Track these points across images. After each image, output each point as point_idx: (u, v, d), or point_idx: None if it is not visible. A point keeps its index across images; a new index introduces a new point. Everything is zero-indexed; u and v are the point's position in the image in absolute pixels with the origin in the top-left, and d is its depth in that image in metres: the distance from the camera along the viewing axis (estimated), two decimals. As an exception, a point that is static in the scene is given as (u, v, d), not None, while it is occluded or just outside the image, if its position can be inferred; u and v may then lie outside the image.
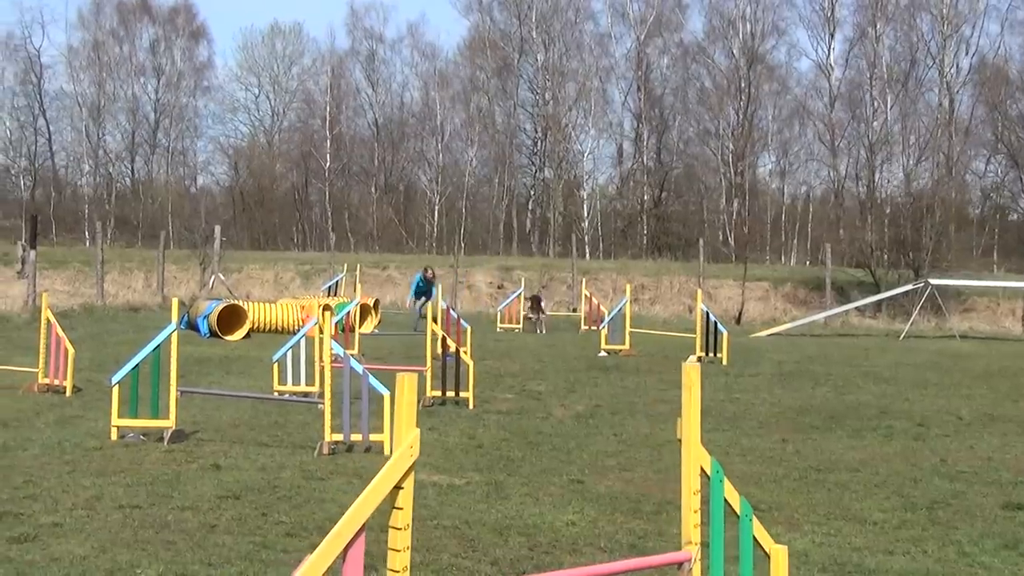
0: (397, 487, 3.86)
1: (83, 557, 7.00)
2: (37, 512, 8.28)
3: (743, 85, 71.63)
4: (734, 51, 72.68)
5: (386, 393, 11.73)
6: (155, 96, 79.87)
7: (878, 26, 68.84)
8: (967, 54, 69.40)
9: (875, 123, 67.74)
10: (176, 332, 12.12)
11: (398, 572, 3.90)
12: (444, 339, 16.27)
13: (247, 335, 26.05)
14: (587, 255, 44.30)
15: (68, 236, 71.94)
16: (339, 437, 11.53)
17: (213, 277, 36.23)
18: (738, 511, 5.03)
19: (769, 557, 5.20)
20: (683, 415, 4.82)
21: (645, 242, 68.09)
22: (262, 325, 27.45)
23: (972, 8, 68.98)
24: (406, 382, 3.93)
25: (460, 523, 8.51)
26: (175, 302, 12.48)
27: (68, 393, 15.48)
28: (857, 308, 36.48)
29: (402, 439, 3.90)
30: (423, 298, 29.77)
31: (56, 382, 15.83)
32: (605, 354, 23.49)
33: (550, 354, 23.86)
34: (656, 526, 8.76)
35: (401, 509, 3.86)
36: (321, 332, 13.89)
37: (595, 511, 9.18)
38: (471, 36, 76.85)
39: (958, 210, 47.68)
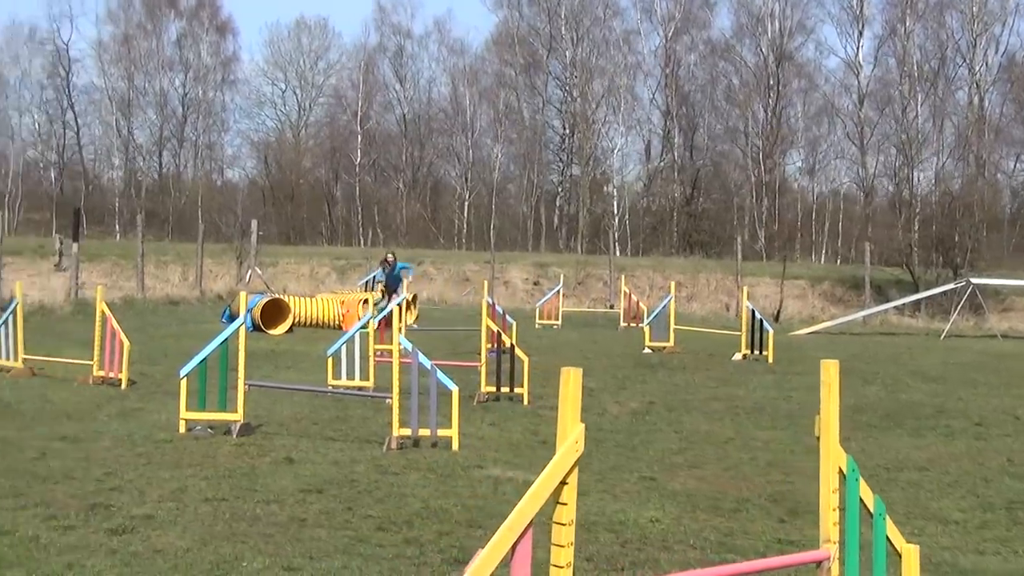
0: (562, 483, 3.83)
1: (186, 550, 7.00)
2: (127, 504, 8.29)
3: (771, 82, 71.41)
4: (762, 48, 72.46)
5: (454, 388, 11.72)
6: (183, 90, 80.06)
7: (908, 23, 68.47)
8: (997, 52, 69.06)
9: (905, 121, 67.41)
10: (243, 326, 12.13)
11: (562, 568, 3.88)
12: (499, 334, 16.23)
13: (290, 329, 26.08)
14: (617, 252, 44.11)
15: (96, 229, 72.15)
16: (407, 432, 11.51)
17: (250, 271, 36.31)
18: (872, 510, 4.98)
19: (900, 556, 5.15)
20: (822, 413, 4.77)
21: (676, 239, 67.97)
22: (302, 319, 27.49)
23: (1002, 6, 68.61)
24: (571, 376, 3.91)
25: (547, 519, 8.44)
26: (243, 296, 12.50)
27: (123, 386, 15.51)
28: (896, 307, 36.34)
29: (567, 434, 3.87)
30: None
31: (111, 374, 15.85)
32: (650, 351, 23.44)
33: (594, 351, 23.82)
34: (739, 524, 8.73)
35: (566, 504, 3.85)
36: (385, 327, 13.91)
37: (676, 508, 9.15)
38: (500, 32, 76.84)
39: (991, 209, 47.34)
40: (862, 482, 4.96)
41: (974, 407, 16.55)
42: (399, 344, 11.68)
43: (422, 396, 11.59)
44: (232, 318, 27.32)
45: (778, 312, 32.75)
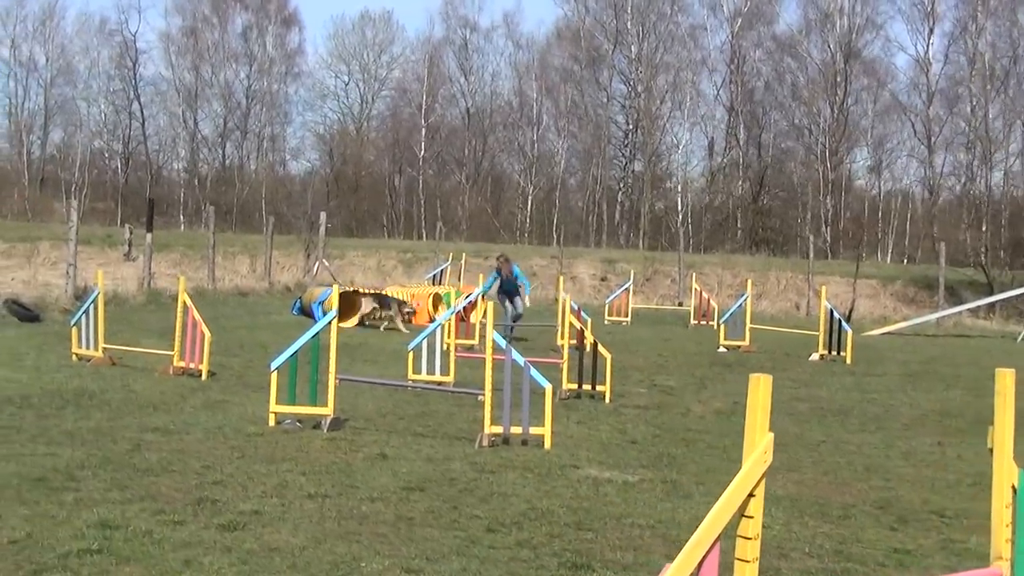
0: (750, 495, 3.66)
1: (302, 548, 6.89)
2: (232, 499, 8.20)
3: (838, 79, 70.69)
4: (830, 45, 71.76)
5: (548, 386, 11.57)
6: (247, 82, 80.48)
7: (979, 20, 67.58)
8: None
9: (974, 120, 66.54)
10: (335, 320, 12.04)
11: (746, 583, 3.70)
12: (582, 332, 16.06)
13: (360, 322, 26.03)
14: (682, 249, 43.81)
15: (161, 220, 72.65)
16: (498, 429, 11.37)
17: (317, 263, 36.35)
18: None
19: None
20: (996, 425, 4.56)
21: (740, 236, 67.50)
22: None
23: (1077, 4, 67.50)
24: (761, 383, 3.73)
25: (655, 522, 8.32)
26: (335, 289, 12.41)
27: (204, 377, 15.48)
28: (970, 309, 35.82)
29: (755, 443, 3.70)
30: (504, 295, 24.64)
31: (191, 365, 15.82)
32: (725, 350, 23.20)
33: (668, 348, 23.61)
34: (851, 531, 8.51)
35: (751, 518, 3.67)
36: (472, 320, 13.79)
37: (783, 514, 8.93)
38: (565, 26, 76.62)
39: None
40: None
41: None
42: (492, 340, 11.53)
43: (513, 393, 11.45)
44: (303, 310, 27.40)
45: (850, 312, 32.33)
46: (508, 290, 24.39)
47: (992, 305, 36.38)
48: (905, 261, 63.96)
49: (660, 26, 73.93)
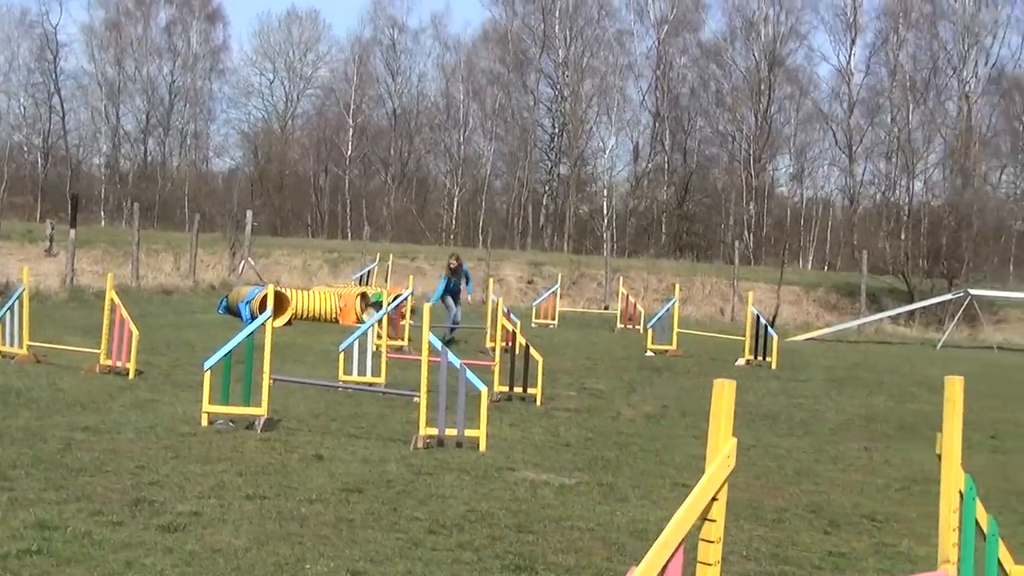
0: (713, 499, 3.70)
1: (245, 549, 6.84)
2: (169, 500, 8.12)
3: (762, 87, 71.44)
4: (754, 53, 72.50)
5: (483, 389, 11.59)
6: (170, 78, 79.59)
7: (900, 32, 68.69)
8: (987, 64, 69.25)
9: (894, 130, 67.62)
10: (270, 320, 11.97)
11: (708, 586, 3.73)
12: (514, 334, 16.09)
13: (288, 322, 25.87)
14: (608, 252, 44.02)
15: (80, 215, 71.43)
16: (433, 431, 11.36)
17: (243, 262, 36.05)
18: (985, 530, 4.86)
19: (1009, 578, 5.05)
20: (944, 432, 4.64)
21: (665, 241, 67.94)
22: (298, 312, 27.32)
23: (994, 18, 68.84)
24: (724, 389, 3.78)
25: (594, 525, 8.36)
26: (270, 289, 12.34)
27: (131, 376, 15.29)
28: (890, 316, 36.45)
29: (719, 448, 3.74)
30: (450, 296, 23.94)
31: (119, 364, 15.62)
32: (652, 354, 23.34)
33: (596, 352, 23.72)
34: (786, 535, 8.62)
35: (714, 521, 3.71)
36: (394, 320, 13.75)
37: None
38: (493, 28, 76.66)
39: (985, 220, 47.51)
40: (978, 502, 4.84)
41: (987, 420, 16.48)
42: (428, 342, 11.51)
43: (447, 395, 11.44)
44: (229, 309, 27.17)
45: (774, 317, 32.69)
46: (454, 291, 23.81)
47: (912, 313, 37.00)
48: (826, 268, 64.78)
49: (587, 31, 74.20)
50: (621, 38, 74.97)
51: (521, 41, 75.23)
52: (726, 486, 3.88)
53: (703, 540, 3.76)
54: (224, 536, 7.14)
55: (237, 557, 6.68)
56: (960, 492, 4.67)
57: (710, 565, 3.72)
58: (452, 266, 23.96)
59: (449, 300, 23.65)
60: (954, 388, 4.61)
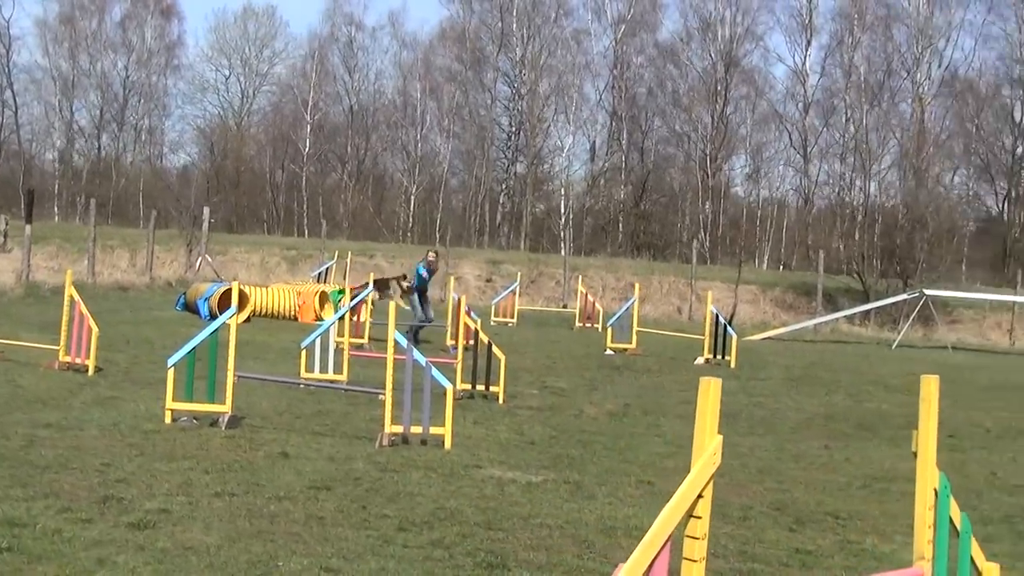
0: (699, 496, 3.73)
1: (217, 547, 6.82)
2: (137, 497, 8.08)
3: (718, 88, 71.72)
4: (711, 53, 72.77)
5: (449, 386, 11.60)
6: (125, 73, 78.93)
7: (855, 34, 69.16)
8: (940, 67, 69.90)
9: (848, 131, 68.16)
10: (235, 317, 11.93)
11: (694, 582, 3.77)
12: (476, 332, 16.11)
13: (247, 319, 25.74)
14: (563, 251, 44.05)
15: (34, 211, 70.81)
16: (398, 429, 11.36)
17: (200, 259, 35.85)
18: (959, 527, 4.93)
19: (981, 574, 5.12)
20: (920, 430, 4.70)
21: (622, 240, 68.09)
22: (257, 309, 27.20)
23: (947, 21, 69.46)
24: (711, 387, 3.81)
25: (563, 523, 8.40)
26: (235, 285, 12.30)
27: (91, 372, 15.21)
28: (846, 315, 36.79)
29: (705, 445, 3.78)
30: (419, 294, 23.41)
31: (78, 360, 15.52)
32: (612, 353, 23.41)
33: (556, 350, 23.76)
34: (752, 532, 8.69)
35: (700, 518, 3.74)
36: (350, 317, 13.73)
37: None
38: (450, 27, 76.56)
39: (940, 221, 47.94)
40: (952, 500, 4.90)
41: (943, 419, 16.59)
42: (393, 340, 11.52)
43: (412, 392, 11.45)
44: (187, 306, 27.02)
45: (731, 317, 32.86)
46: (425, 289, 23.28)
47: (867, 312, 37.33)
48: (781, 268, 65.19)
49: (545, 30, 74.15)
50: (578, 37, 75.04)
51: (478, 39, 75.15)
52: (712, 483, 3.92)
53: (688, 536, 3.80)
54: (195, 534, 7.12)
55: (209, 554, 6.66)
56: (935, 490, 4.73)
57: (695, 561, 3.75)
58: (429, 263, 23.30)
59: (415, 299, 23.27)
60: (930, 387, 4.68)
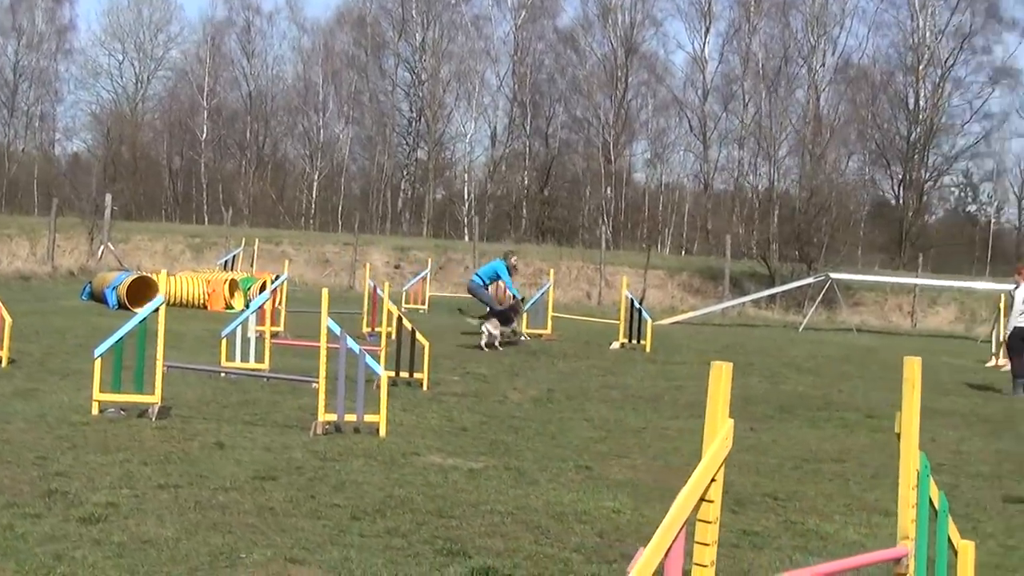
0: (712, 480, 3.74)
1: (175, 540, 6.70)
2: (81, 490, 7.91)
3: (618, 74, 72.14)
4: (611, 40, 73.14)
5: (383, 374, 11.54)
6: (15, 58, 77.16)
7: (752, 21, 69.98)
8: (834, 54, 71.01)
9: (746, 117, 69.02)
10: (164, 306, 11.74)
11: (706, 567, 3.79)
12: (400, 319, 16.04)
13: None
14: (476, 237, 43.95)
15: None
16: (332, 417, 11.27)
17: (103, 247, 35.19)
18: (936, 507, 5.01)
19: (956, 552, 5.21)
20: (903, 411, 4.76)
21: (526, 226, 68.23)
22: (166, 298, 26.71)
23: (841, 8, 70.58)
24: (722, 371, 3.82)
25: (513, 509, 8.39)
26: (163, 275, 12.09)
27: (4, 364, 14.87)
28: (753, 299, 37.31)
29: (717, 430, 3.79)
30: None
31: (-11, 352, 15.16)
32: (527, 338, 23.44)
33: (471, 337, 23.69)
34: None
35: (711, 502, 3.76)
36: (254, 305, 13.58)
37: (629, 499, 9.12)
38: (349, 12, 75.99)
39: (841, 206, 48.84)
40: (931, 480, 4.98)
41: (859, 399, 17.01)
42: (326, 328, 11.42)
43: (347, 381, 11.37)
44: (93, 295, 26.53)
45: (640, 301, 33.09)
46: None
47: (773, 296, 37.87)
48: (683, 252, 65.82)
49: (444, 15, 73.99)
50: (479, 23, 75.02)
51: (378, 25, 74.72)
52: (723, 468, 3.94)
53: (700, 520, 3.82)
54: (149, 527, 6.99)
55: (169, 548, 6.55)
56: (917, 470, 4.80)
57: (707, 545, 3.77)
58: (513, 262, 24.07)
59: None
60: (913, 369, 4.74)
